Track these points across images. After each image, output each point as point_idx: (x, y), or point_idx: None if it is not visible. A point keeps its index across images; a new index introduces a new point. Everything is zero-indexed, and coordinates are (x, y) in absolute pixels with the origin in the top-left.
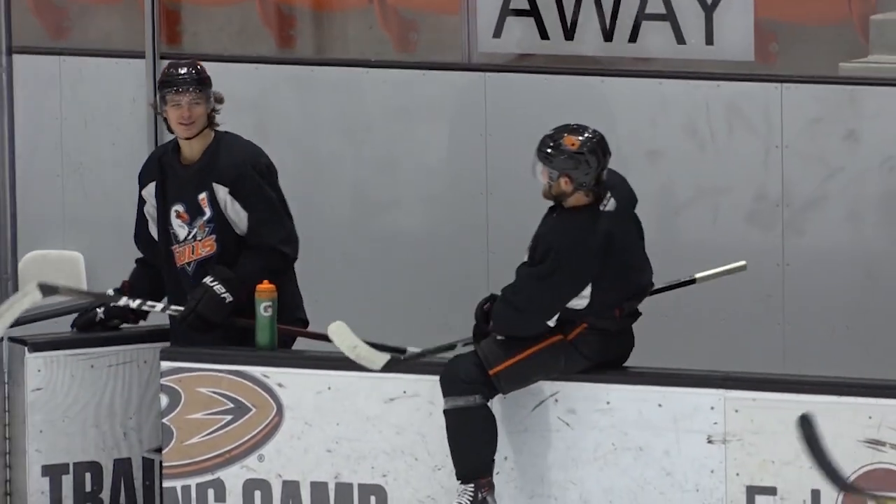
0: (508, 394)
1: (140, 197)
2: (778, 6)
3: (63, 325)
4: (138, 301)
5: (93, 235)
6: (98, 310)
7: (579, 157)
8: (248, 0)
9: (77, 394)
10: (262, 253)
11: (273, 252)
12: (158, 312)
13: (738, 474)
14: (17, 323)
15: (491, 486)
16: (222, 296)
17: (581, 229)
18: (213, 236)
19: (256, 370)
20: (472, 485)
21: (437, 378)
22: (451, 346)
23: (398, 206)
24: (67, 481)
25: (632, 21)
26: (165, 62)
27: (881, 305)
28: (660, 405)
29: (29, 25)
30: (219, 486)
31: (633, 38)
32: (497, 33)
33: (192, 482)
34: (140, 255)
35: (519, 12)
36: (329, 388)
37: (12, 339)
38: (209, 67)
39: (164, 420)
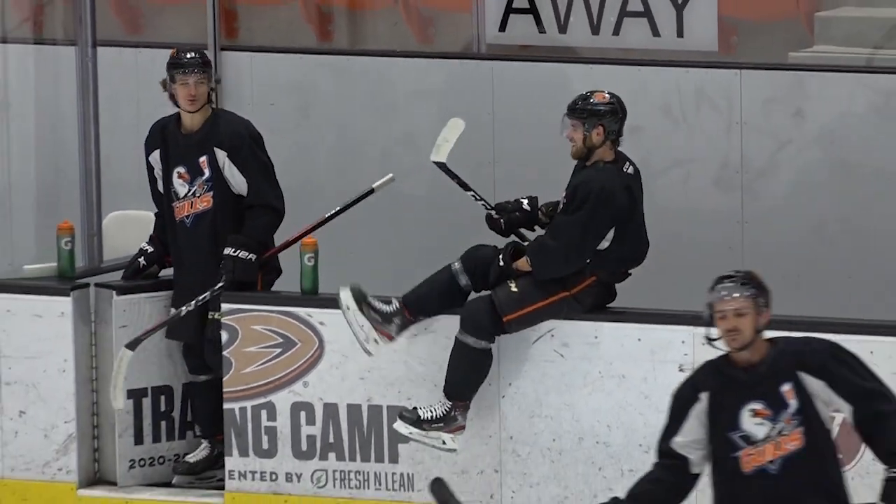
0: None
1: (147, 163)
2: (737, 5)
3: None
4: (193, 302)
5: None
6: (140, 259)
7: (611, 106)
8: (293, 0)
9: None
10: (264, 210)
11: (271, 209)
12: (209, 299)
13: None
14: (96, 272)
15: (465, 408)
16: (248, 258)
17: (613, 177)
18: (210, 193)
19: (302, 311)
20: (451, 403)
21: (454, 317)
22: (467, 188)
23: (418, 174)
24: (146, 402)
25: (615, 18)
26: (225, 53)
27: (826, 256)
28: (639, 339)
29: (109, 22)
30: (270, 408)
31: (616, 31)
32: (502, 28)
33: (248, 404)
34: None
35: (520, 10)
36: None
37: (99, 285)
38: (261, 57)
39: (225, 352)
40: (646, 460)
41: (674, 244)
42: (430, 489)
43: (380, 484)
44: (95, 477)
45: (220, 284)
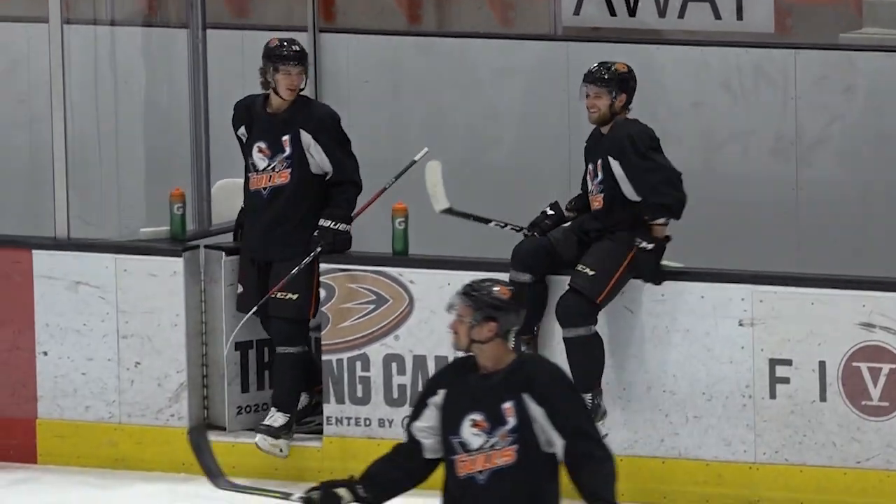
0: None
1: (238, 137)
2: None
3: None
4: (300, 266)
5: None
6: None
7: (631, 74)
8: None
9: None
10: (350, 185)
11: (353, 183)
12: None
13: (762, 350)
14: (205, 235)
15: (601, 392)
16: (345, 230)
17: (644, 125)
18: (289, 170)
19: (393, 270)
20: (590, 395)
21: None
22: (487, 221)
23: (500, 145)
24: (251, 354)
25: (680, 2)
26: (323, 35)
27: (873, 219)
28: (702, 297)
29: (217, 6)
30: (364, 360)
31: (681, 14)
32: (577, 11)
33: (344, 356)
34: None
35: None
36: (449, 284)
37: (208, 247)
38: (356, 38)
39: (323, 308)
40: (708, 407)
41: (733, 209)
42: (188, 437)
43: None
44: (205, 422)
45: (318, 250)
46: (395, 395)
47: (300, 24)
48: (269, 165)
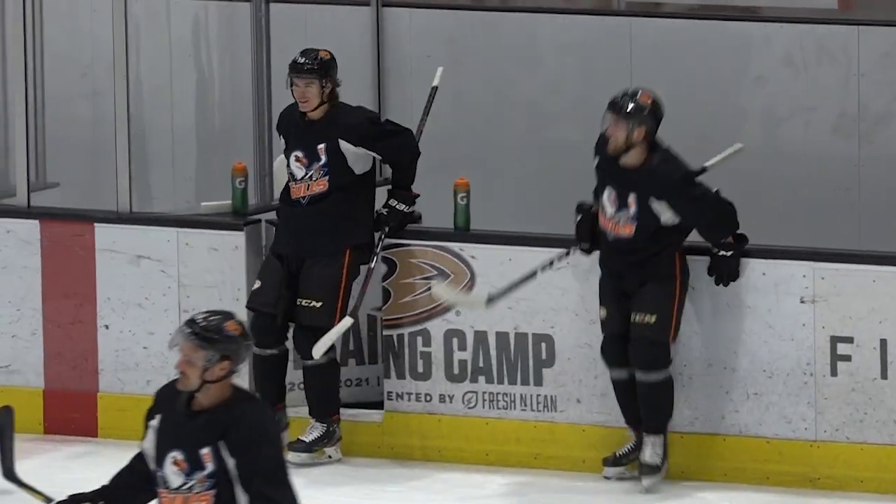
0: None
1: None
2: None
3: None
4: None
5: None
6: None
7: (655, 106)
8: None
9: None
10: (409, 162)
11: (411, 158)
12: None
13: (823, 327)
14: (266, 209)
15: (666, 432)
16: (410, 211)
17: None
18: (326, 178)
19: (455, 245)
20: (663, 435)
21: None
22: (533, 274)
23: (560, 121)
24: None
25: None
26: (386, 9)
27: None
28: (764, 274)
29: None
30: (425, 335)
31: None
32: None
33: (405, 331)
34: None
35: None
36: (510, 260)
37: (269, 222)
38: (419, 13)
39: (384, 284)
40: (769, 384)
41: (795, 185)
42: None
43: (525, 405)
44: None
45: (386, 229)
46: (456, 370)
47: None
48: (306, 174)
